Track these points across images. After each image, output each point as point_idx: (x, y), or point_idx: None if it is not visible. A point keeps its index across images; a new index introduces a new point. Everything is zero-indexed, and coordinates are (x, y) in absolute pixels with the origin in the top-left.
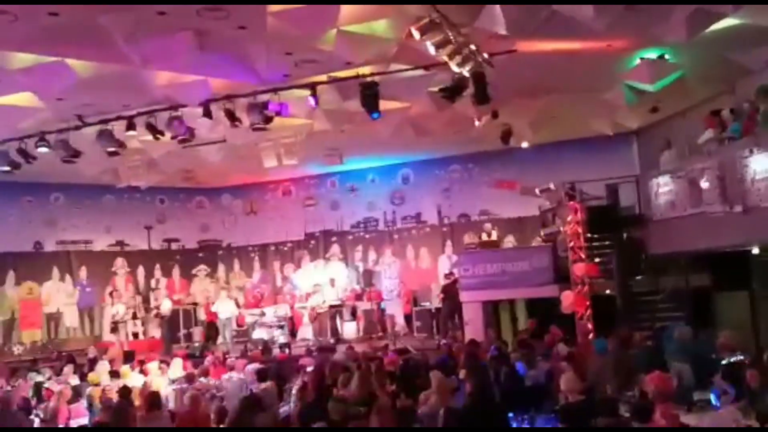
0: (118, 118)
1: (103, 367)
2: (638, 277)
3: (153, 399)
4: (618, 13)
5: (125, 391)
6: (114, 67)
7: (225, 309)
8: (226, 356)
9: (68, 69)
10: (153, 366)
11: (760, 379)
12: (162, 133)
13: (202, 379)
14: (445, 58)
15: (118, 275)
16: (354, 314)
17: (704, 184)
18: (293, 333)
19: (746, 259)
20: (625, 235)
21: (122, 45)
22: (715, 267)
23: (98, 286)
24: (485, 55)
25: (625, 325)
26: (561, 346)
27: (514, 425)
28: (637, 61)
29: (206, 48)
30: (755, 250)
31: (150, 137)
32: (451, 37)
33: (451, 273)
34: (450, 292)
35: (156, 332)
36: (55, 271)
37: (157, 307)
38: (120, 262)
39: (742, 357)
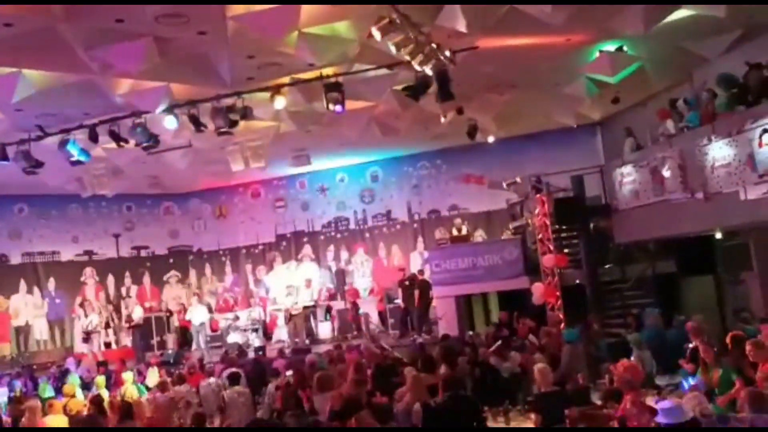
0: (80, 126)
1: (75, 378)
2: (606, 266)
3: (125, 409)
4: (575, 8)
5: (98, 401)
6: (73, 76)
7: (198, 315)
8: (202, 362)
9: (25, 79)
10: (128, 376)
11: (713, 354)
12: (126, 141)
13: (177, 387)
14: (407, 58)
15: (87, 285)
16: (328, 314)
17: (666, 173)
18: (268, 335)
19: (710, 244)
20: (591, 225)
21: (81, 53)
22: (680, 253)
23: (67, 297)
24: (447, 53)
25: (594, 314)
26: (531, 338)
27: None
28: (597, 53)
29: (167, 54)
30: (718, 235)
31: (113, 144)
32: (412, 36)
33: (421, 271)
34: (421, 288)
35: (128, 341)
36: (23, 284)
37: (129, 316)
38: (89, 271)
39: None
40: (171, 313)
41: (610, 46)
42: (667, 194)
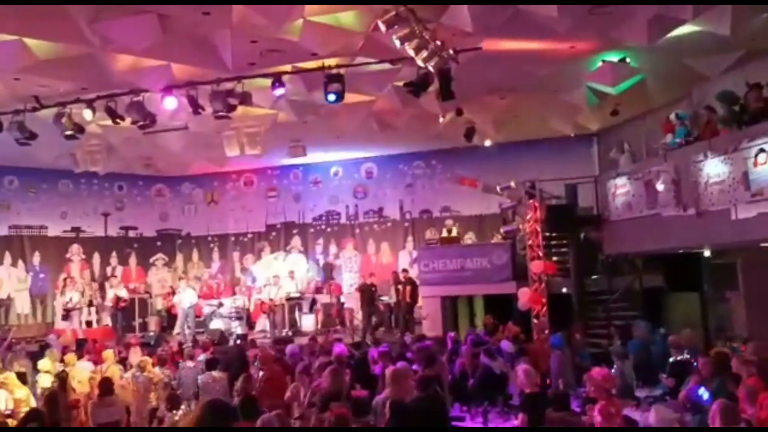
0: (77, 101)
1: (52, 354)
2: (594, 277)
3: (105, 385)
4: (581, 15)
5: (62, 377)
6: (73, 49)
7: (187, 298)
8: (181, 346)
9: (26, 48)
10: (108, 354)
11: (711, 369)
12: (122, 118)
13: (156, 368)
14: (411, 53)
15: (72, 262)
16: (313, 307)
17: (660, 187)
18: (251, 324)
19: (698, 261)
20: (582, 234)
21: (83, 26)
22: (667, 268)
23: (52, 273)
24: (451, 51)
25: (579, 324)
26: (505, 343)
27: (468, 418)
28: (600, 63)
29: (169, 33)
30: (707, 253)
31: (109, 121)
32: (417, 32)
33: (405, 270)
34: (412, 286)
35: (110, 321)
36: (7, 256)
37: (113, 296)
38: (75, 248)
39: (688, 356)
40: (150, 295)
41: (614, 57)
42: (660, 208)
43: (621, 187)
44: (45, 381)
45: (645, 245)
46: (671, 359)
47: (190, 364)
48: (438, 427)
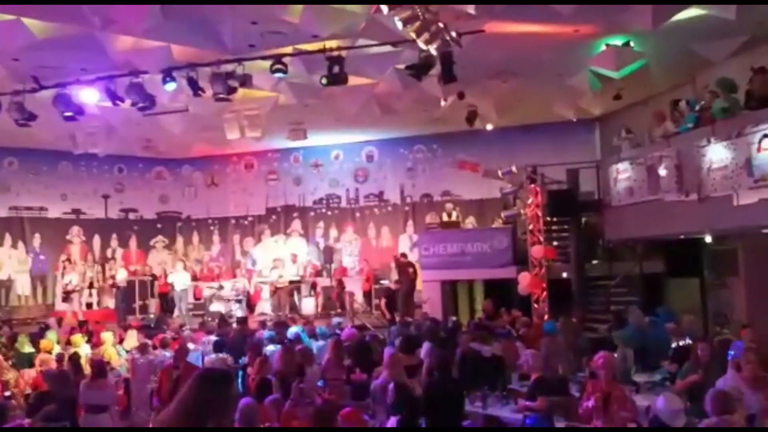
0: (76, 81)
1: (53, 335)
2: (594, 262)
3: (99, 366)
4: None
5: (75, 359)
6: (73, 29)
7: (180, 280)
8: (182, 328)
9: (25, 28)
10: (107, 336)
11: (710, 353)
12: (122, 100)
13: (158, 350)
14: (413, 35)
15: (73, 244)
16: (313, 290)
17: (662, 172)
18: (251, 307)
19: (698, 248)
20: (583, 219)
21: (83, 6)
22: (668, 254)
23: (52, 254)
24: (453, 34)
25: (577, 309)
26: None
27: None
28: (603, 47)
29: (170, 13)
30: (708, 239)
31: (109, 103)
32: (420, 14)
33: (404, 254)
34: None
35: (110, 303)
36: (8, 237)
37: (113, 277)
38: (75, 230)
39: (690, 341)
40: (155, 277)
41: (617, 41)
42: (662, 193)
43: (623, 172)
44: (46, 362)
45: (646, 231)
46: (673, 345)
47: (192, 346)
48: (449, 412)
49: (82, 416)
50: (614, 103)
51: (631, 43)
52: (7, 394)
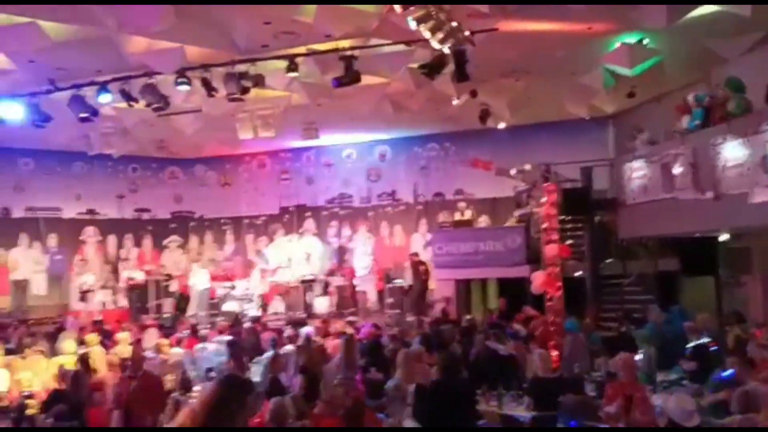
0: (91, 83)
1: (71, 335)
2: (608, 261)
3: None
4: None
5: (84, 359)
6: (88, 31)
7: (200, 281)
8: (195, 327)
9: (41, 31)
10: (123, 335)
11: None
12: (136, 100)
13: (174, 349)
14: (426, 34)
15: (87, 244)
16: (326, 289)
17: (677, 170)
18: (264, 306)
19: (714, 246)
20: (597, 218)
21: (98, 7)
22: (683, 252)
23: (68, 254)
24: (467, 33)
25: (591, 308)
26: (517, 326)
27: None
28: (617, 44)
29: (183, 14)
30: (723, 237)
31: (123, 104)
32: (433, 13)
33: (416, 253)
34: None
35: (125, 302)
36: (24, 238)
37: (128, 277)
38: (90, 230)
39: (707, 339)
40: (170, 277)
41: (631, 38)
42: (677, 191)
43: (637, 170)
44: (69, 362)
45: (661, 229)
46: (691, 343)
47: (206, 345)
48: (461, 410)
49: None
50: (628, 101)
51: (645, 41)
52: (26, 393)
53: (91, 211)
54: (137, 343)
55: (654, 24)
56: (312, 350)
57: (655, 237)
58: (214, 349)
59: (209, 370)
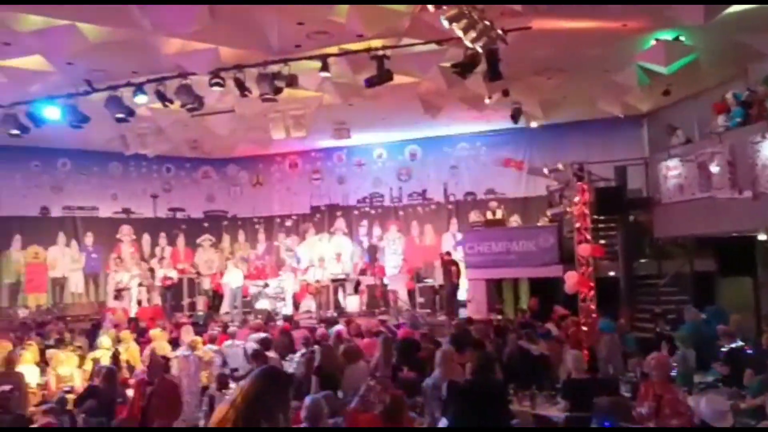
0: (127, 84)
1: (109, 332)
2: (642, 260)
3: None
4: None
5: (115, 355)
6: (124, 33)
7: (234, 279)
8: (226, 325)
9: (79, 33)
10: (157, 333)
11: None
12: (171, 101)
13: (208, 346)
14: (459, 33)
15: (123, 242)
16: (357, 288)
17: (714, 169)
18: (296, 305)
19: (751, 245)
20: (631, 217)
21: (135, 10)
22: (720, 252)
23: (104, 253)
24: (499, 31)
25: (625, 308)
26: (550, 325)
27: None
28: (652, 42)
29: (218, 16)
30: (761, 236)
31: (158, 105)
32: (466, 11)
33: (448, 253)
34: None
35: (159, 300)
36: (61, 236)
37: (163, 276)
38: (125, 229)
39: (741, 343)
40: (199, 274)
41: (667, 36)
42: (714, 190)
43: (673, 169)
44: (105, 358)
45: (697, 228)
46: (725, 347)
47: (237, 342)
48: (495, 410)
49: None
50: (663, 99)
51: (681, 38)
52: (67, 388)
53: (126, 210)
54: (147, 343)
55: (691, 21)
56: (329, 350)
57: (691, 236)
58: (242, 346)
59: (234, 370)
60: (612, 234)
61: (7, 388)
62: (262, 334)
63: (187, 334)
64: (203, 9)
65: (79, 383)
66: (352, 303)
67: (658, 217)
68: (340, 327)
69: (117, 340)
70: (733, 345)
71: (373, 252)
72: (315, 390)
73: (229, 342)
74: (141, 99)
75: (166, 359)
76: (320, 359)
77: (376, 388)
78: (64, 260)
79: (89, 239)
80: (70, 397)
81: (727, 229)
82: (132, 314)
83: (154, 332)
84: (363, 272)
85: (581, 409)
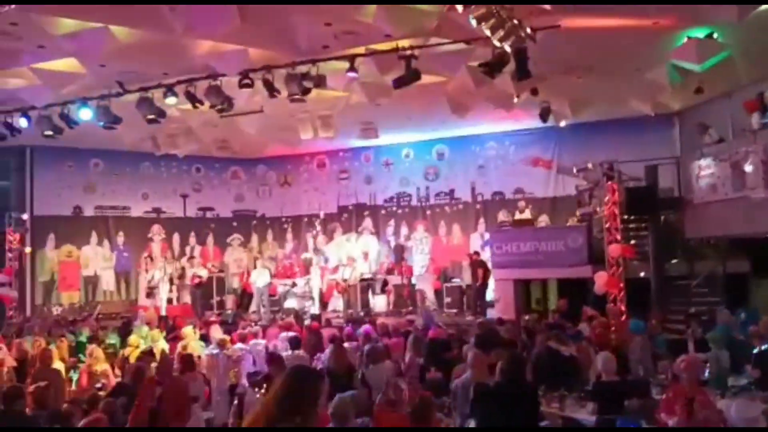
0: (158, 85)
1: (140, 329)
2: (674, 261)
3: (187, 360)
4: None
5: (145, 353)
6: (155, 35)
7: (261, 278)
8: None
9: (111, 35)
10: (189, 330)
11: None
12: (201, 102)
13: (238, 345)
14: (487, 32)
15: (154, 241)
16: (384, 288)
17: (748, 168)
18: (324, 304)
19: None
20: (662, 217)
21: (165, 12)
22: (753, 253)
23: (135, 252)
24: (528, 30)
25: (656, 309)
26: (583, 326)
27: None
28: (684, 39)
29: (247, 17)
30: None
31: (188, 105)
32: (495, 11)
33: (476, 252)
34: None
35: (189, 299)
36: (94, 236)
37: (193, 274)
38: (156, 228)
39: None
40: (223, 272)
41: (700, 33)
42: (747, 190)
43: (705, 169)
44: (134, 355)
45: (730, 229)
46: (755, 350)
47: (261, 340)
48: (525, 412)
49: None
50: (695, 97)
51: (715, 35)
52: (98, 385)
53: (157, 210)
54: (177, 341)
55: (724, 19)
56: (340, 351)
57: (724, 237)
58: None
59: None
60: (643, 234)
61: (42, 384)
62: (291, 333)
63: (216, 333)
64: (233, 10)
65: (112, 380)
66: (379, 302)
67: (690, 217)
68: (367, 326)
69: (148, 339)
70: (764, 347)
71: (399, 251)
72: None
73: (254, 341)
74: (171, 100)
75: (190, 357)
76: (329, 359)
77: (398, 384)
78: (97, 259)
79: (121, 238)
80: (103, 394)
81: (761, 229)
82: (162, 312)
83: (185, 330)
84: (390, 272)
85: (611, 411)
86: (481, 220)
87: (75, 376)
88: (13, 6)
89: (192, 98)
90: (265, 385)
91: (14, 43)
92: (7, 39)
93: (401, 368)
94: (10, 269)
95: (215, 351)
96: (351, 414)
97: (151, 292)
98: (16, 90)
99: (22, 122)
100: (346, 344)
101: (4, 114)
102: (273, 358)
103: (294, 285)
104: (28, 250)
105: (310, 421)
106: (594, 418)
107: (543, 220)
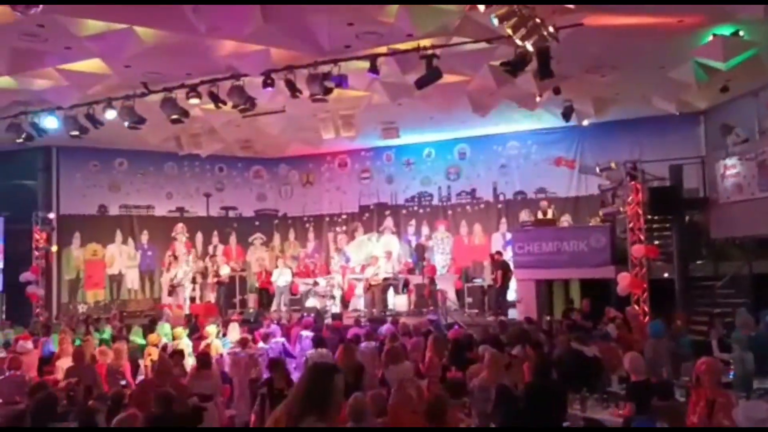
0: (182, 86)
1: (162, 327)
2: (699, 262)
3: (203, 359)
4: None
5: (168, 351)
6: (179, 36)
7: (283, 277)
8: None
9: (136, 36)
10: (212, 329)
11: None
12: (224, 102)
13: (260, 344)
14: (509, 31)
15: (177, 240)
16: (405, 288)
17: None
18: (345, 303)
19: None
20: (687, 217)
21: (189, 13)
22: None
23: (159, 251)
24: (551, 29)
25: (681, 311)
26: (611, 327)
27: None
28: (710, 37)
29: (270, 18)
30: None
31: (211, 106)
32: (517, 10)
33: (498, 252)
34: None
35: (212, 297)
36: (119, 234)
37: (216, 273)
38: (180, 227)
39: None
40: (244, 270)
41: (725, 31)
42: None
43: (731, 168)
44: (154, 353)
45: (756, 229)
46: None
47: (278, 339)
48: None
49: None
50: (720, 96)
51: (741, 32)
52: (123, 382)
53: (180, 209)
54: (200, 339)
55: (751, 16)
56: (349, 351)
57: (750, 237)
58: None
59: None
60: (667, 234)
61: (73, 380)
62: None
63: (234, 332)
64: (255, 11)
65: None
66: (401, 302)
67: (715, 217)
68: (390, 326)
69: (169, 336)
70: None
71: (421, 251)
72: None
73: (275, 340)
74: (195, 100)
75: (207, 356)
76: (337, 359)
77: (411, 382)
78: (121, 258)
79: (145, 237)
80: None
81: None
82: (186, 311)
83: (209, 329)
84: (411, 271)
85: (641, 411)
86: (503, 220)
87: None
88: (40, 8)
89: (215, 98)
90: (266, 389)
91: (41, 45)
92: (34, 41)
93: (420, 368)
94: (37, 268)
95: (237, 349)
96: (367, 413)
97: (173, 290)
98: (42, 91)
99: (52, 123)
100: (363, 344)
101: (30, 114)
102: (273, 363)
103: (316, 284)
104: (54, 248)
105: (332, 417)
106: (616, 420)
107: (566, 219)
